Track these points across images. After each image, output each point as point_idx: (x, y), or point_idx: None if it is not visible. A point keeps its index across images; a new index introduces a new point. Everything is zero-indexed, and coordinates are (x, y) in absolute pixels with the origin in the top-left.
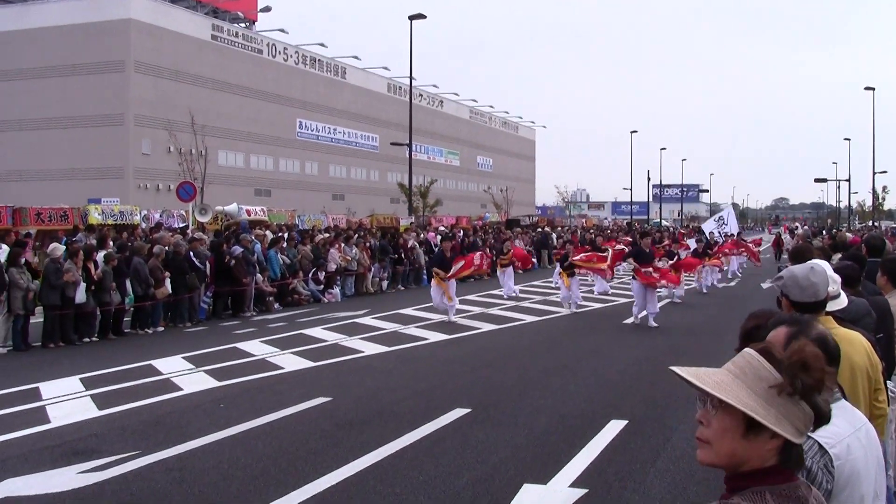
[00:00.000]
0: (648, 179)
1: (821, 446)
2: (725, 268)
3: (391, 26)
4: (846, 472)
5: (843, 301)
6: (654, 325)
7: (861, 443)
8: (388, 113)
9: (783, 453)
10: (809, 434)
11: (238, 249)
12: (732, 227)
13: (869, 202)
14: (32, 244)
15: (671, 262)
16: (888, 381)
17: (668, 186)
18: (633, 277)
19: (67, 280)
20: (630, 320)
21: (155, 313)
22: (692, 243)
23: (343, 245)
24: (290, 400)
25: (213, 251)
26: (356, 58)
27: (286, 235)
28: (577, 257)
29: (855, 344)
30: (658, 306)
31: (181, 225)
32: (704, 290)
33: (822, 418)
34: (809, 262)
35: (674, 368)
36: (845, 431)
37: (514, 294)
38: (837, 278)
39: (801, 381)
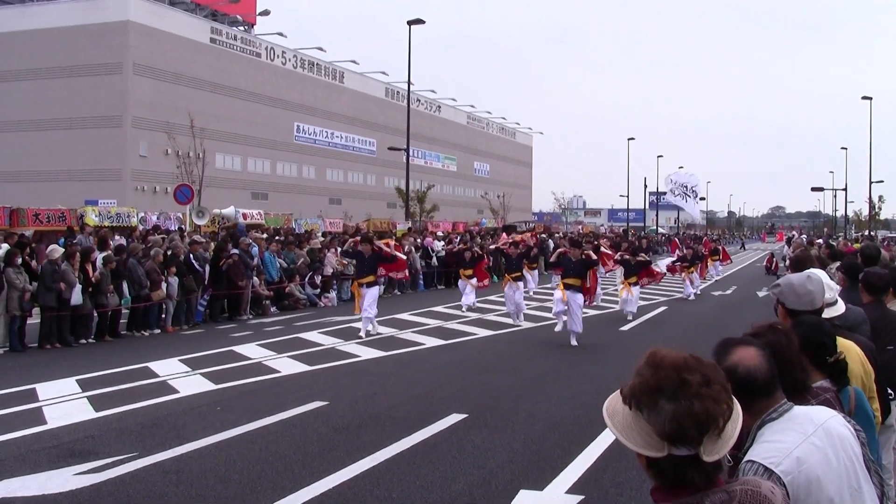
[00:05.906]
0: (645, 187)
1: (766, 468)
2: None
3: (390, 31)
4: (802, 483)
5: (840, 308)
6: (575, 343)
7: (817, 446)
8: (386, 117)
9: (652, 468)
10: (753, 458)
11: (234, 252)
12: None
13: (865, 211)
14: (31, 245)
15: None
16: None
17: (665, 194)
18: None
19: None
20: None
21: (151, 315)
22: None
23: (339, 249)
24: (287, 403)
25: (215, 254)
26: (354, 62)
27: (283, 239)
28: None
29: (850, 352)
30: (580, 326)
31: (178, 227)
32: (691, 297)
33: (668, 435)
34: (806, 270)
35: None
36: (792, 444)
37: (471, 306)
38: (835, 286)
39: (626, 389)
